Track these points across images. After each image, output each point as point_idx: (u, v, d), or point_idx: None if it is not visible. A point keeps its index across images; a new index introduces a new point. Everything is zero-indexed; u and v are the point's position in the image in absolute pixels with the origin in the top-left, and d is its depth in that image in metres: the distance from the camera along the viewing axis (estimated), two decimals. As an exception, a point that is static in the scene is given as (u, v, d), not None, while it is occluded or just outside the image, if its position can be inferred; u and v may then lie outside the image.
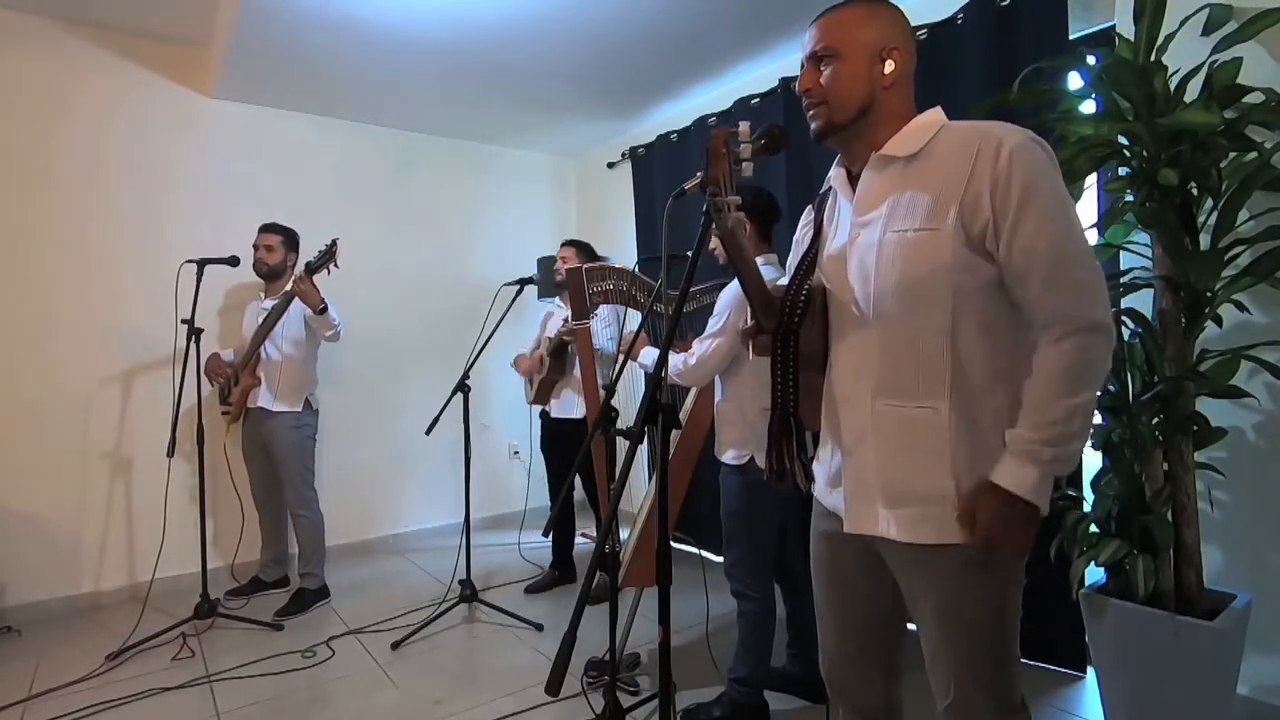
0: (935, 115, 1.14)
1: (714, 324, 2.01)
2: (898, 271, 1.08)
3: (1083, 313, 1.01)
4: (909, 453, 1.10)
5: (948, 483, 1.07)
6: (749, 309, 1.28)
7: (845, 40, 1.12)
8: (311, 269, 2.90)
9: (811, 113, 1.17)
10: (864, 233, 1.14)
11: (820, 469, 1.27)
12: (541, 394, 3.26)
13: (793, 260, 1.36)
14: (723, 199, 1.12)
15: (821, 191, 1.31)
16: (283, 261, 3.16)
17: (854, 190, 1.18)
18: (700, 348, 2.03)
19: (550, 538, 3.41)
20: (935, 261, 1.05)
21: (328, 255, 2.90)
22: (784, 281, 1.30)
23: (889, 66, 1.12)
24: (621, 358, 1.81)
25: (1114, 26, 2.04)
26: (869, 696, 1.28)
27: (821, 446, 1.27)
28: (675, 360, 2.08)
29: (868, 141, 1.15)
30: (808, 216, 1.36)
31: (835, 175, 1.24)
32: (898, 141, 1.12)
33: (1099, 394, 1.81)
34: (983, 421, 1.07)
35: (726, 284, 2.10)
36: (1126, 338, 1.81)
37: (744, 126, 1.13)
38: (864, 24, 1.12)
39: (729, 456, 2.05)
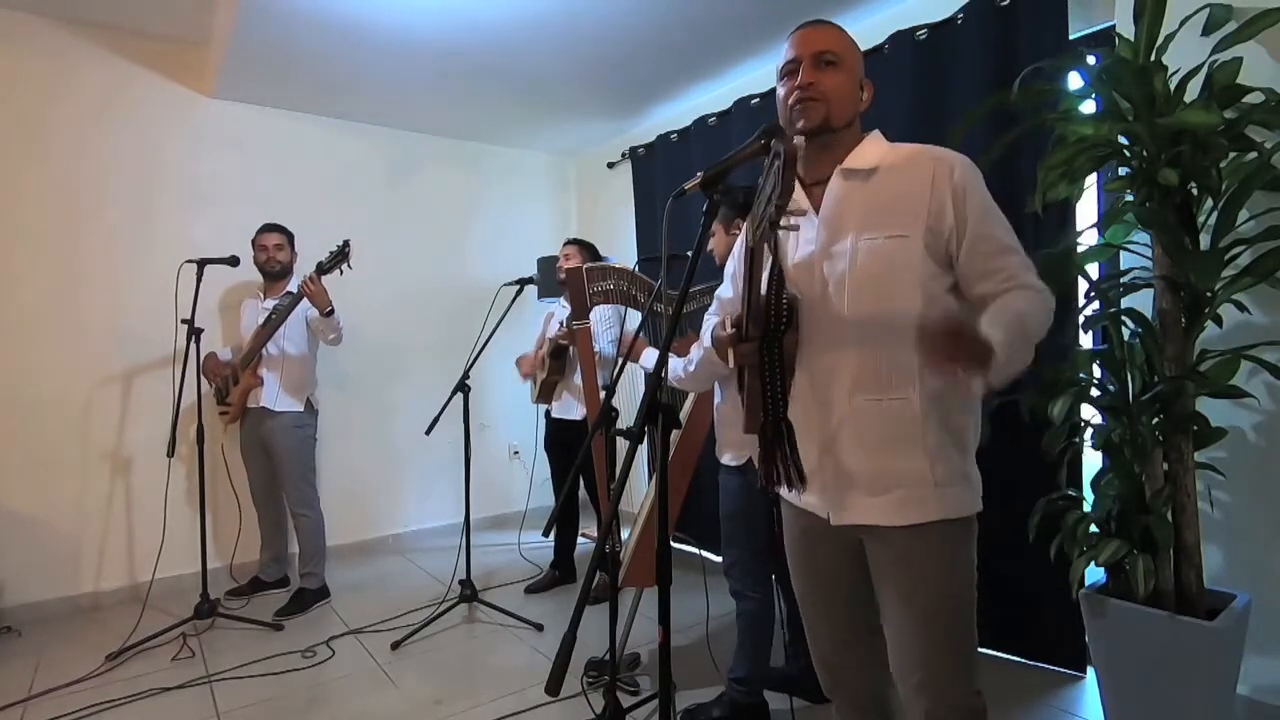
0: (879, 135, 1.28)
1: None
2: (871, 275, 1.17)
3: (1034, 280, 1.17)
4: (885, 442, 1.18)
5: (923, 465, 1.16)
6: (733, 314, 1.28)
7: (847, 55, 1.23)
8: (323, 270, 2.90)
9: (806, 105, 1.20)
10: (835, 241, 1.21)
11: None
12: (545, 393, 3.26)
13: (735, 270, 1.41)
14: (789, 217, 1.13)
15: None
16: (289, 260, 3.17)
17: (811, 201, 1.25)
18: (697, 353, 2.02)
19: (551, 538, 3.41)
20: (905, 264, 1.16)
21: (340, 257, 2.90)
22: (725, 292, 1.35)
23: (866, 94, 1.27)
24: (620, 360, 1.81)
25: (1114, 26, 2.04)
26: (863, 685, 1.34)
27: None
28: (675, 365, 2.08)
29: (833, 155, 1.24)
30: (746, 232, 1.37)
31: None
32: (857, 157, 1.23)
33: (1097, 395, 1.83)
34: (950, 406, 1.18)
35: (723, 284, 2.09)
36: (1126, 338, 1.81)
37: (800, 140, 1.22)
38: (853, 48, 1.26)
39: (728, 458, 2.05)
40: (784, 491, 1.32)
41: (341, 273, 2.92)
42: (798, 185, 1.26)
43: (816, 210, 1.24)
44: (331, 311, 2.96)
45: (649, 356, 2.26)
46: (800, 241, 1.25)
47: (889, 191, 1.19)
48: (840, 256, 1.19)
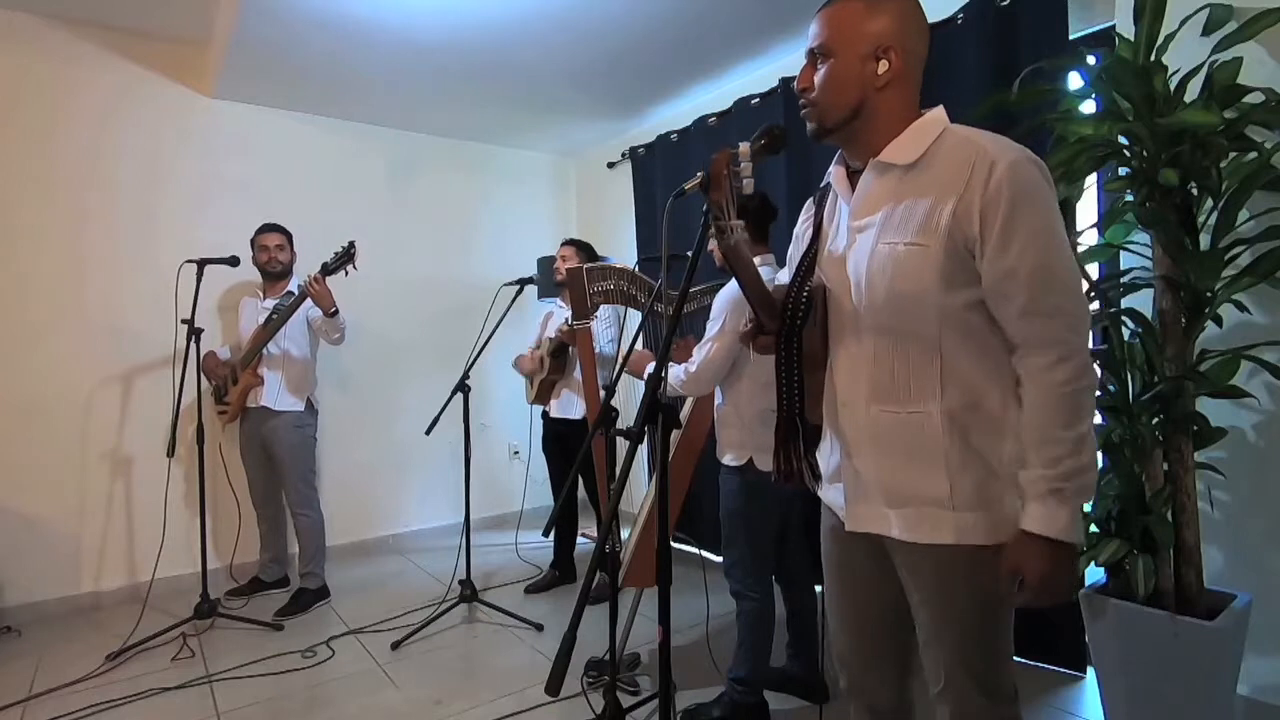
0: (937, 116, 1.12)
1: (711, 329, 2.01)
2: (886, 284, 1.08)
3: (1065, 340, 1.01)
4: (904, 456, 1.11)
5: (942, 485, 1.09)
6: (749, 310, 1.28)
7: (839, 38, 1.09)
8: (328, 270, 2.90)
9: (804, 112, 1.16)
10: (859, 239, 1.14)
11: (820, 464, 1.28)
12: (541, 394, 3.26)
13: (793, 254, 1.36)
14: (726, 223, 1.14)
15: (822, 186, 1.30)
16: (290, 260, 3.18)
17: (852, 189, 1.17)
18: (699, 354, 2.02)
19: (550, 538, 3.41)
20: (922, 277, 1.05)
21: (345, 257, 2.90)
22: (783, 277, 1.30)
23: (882, 67, 1.08)
24: (621, 361, 1.81)
25: (1114, 26, 2.04)
26: (883, 693, 1.29)
27: (822, 442, 1.28)
28: (676, 371, 2.08)
29: (865, 142, 1.13)
30: (808, 211, 1.34)
31: (835, 173, 1.22)
32: (897, 148, 1.10)
33: (1097, 395, 1.83)
34: (974, 425, 1.08)
35: (724, 284, 2.10)
36: (1126, 338, 1.81)
37: (744, 147, 1.14)
38: (861, 20, 1.08)
39: (728, 458, 2.05)
40: (820, 489, 1.30)
41: (346, 274, 2.92)
42: (843, 176, 1.19)
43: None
44: (336, 312, 2.96)
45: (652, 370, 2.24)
46: (836, 232, 1.21)
47: (921, 189, 1.06)
48: (861, 258, 1.12)
